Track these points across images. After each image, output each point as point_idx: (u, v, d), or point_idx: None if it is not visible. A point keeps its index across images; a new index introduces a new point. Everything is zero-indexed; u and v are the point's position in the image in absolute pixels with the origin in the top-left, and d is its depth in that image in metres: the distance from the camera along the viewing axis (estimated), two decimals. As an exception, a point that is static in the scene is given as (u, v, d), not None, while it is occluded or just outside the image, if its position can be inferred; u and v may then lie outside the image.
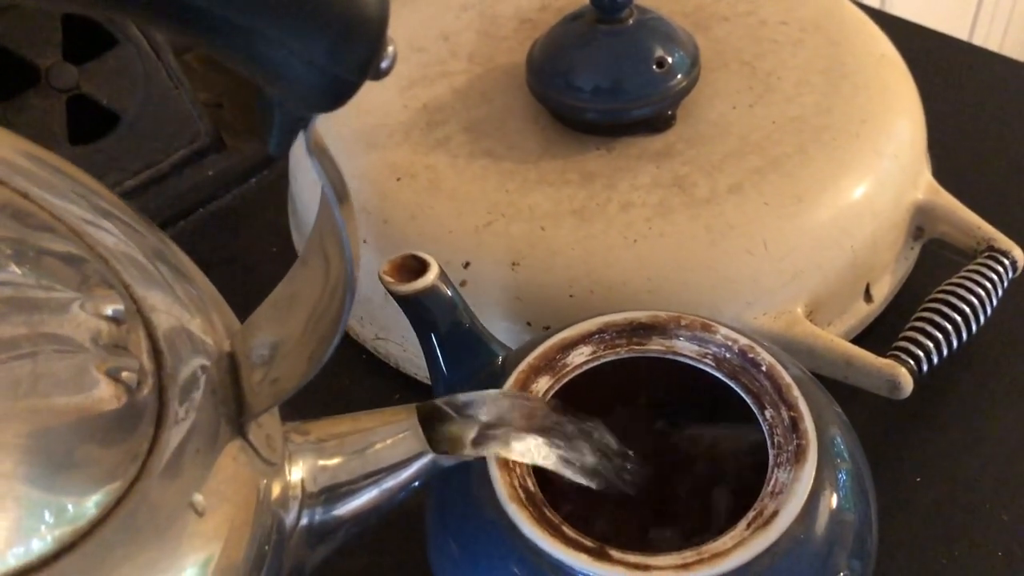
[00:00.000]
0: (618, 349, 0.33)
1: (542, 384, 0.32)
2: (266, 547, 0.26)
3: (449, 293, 0.36)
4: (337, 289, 0.26)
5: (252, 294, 0.56)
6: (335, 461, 0.29)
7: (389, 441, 0.29)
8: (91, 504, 0.22)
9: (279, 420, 0.29)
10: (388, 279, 0.35)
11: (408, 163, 0.47)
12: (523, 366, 0.33)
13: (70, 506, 0.21)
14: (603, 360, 0.33)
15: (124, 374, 0.24)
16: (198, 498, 0.24)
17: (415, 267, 0.36)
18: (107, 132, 0.56)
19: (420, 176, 0.46)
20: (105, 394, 0.23)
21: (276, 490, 0.27)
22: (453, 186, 0.45)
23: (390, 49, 0.22)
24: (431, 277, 0.35)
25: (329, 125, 0.51)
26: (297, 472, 0.28)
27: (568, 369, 0.33)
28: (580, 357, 0.33)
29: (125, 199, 0.58)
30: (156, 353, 0.25)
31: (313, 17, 0.20)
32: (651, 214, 0.42)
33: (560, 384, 0.32)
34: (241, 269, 0.55)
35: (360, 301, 0.47)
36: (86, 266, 0.25)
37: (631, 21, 0.46)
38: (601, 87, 0.46)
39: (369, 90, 0.54)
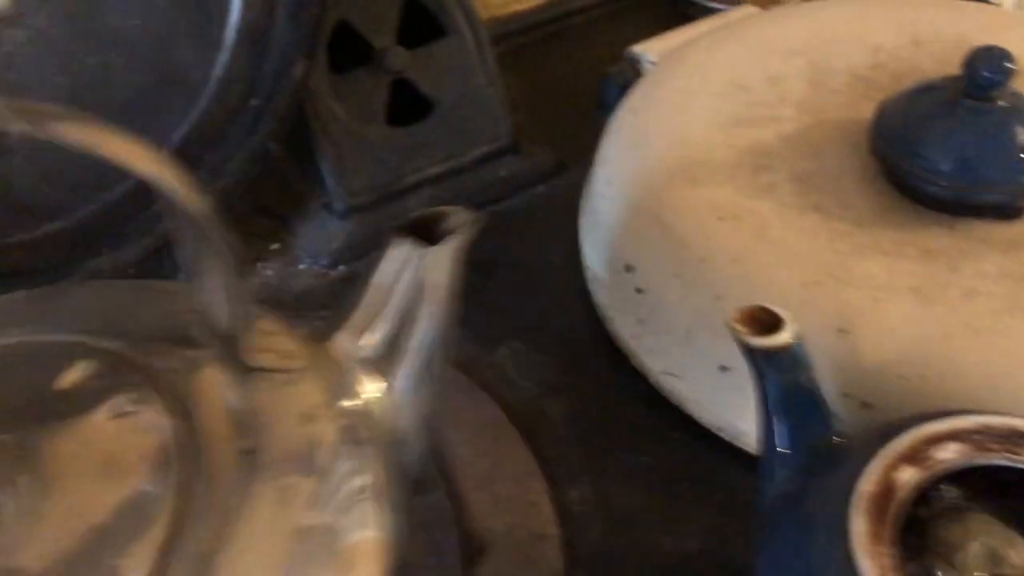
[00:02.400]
0: (990, 454, 0.31)
1: (907, 475, 0.31)
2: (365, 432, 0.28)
3: (800, 353, 0.35)
4: None
5: (532, 300, 0.57)
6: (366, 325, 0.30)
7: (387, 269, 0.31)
8: None
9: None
10: (740, 328, 0.35)
11: (732, 204, 0.46)
12: (888, 453, 0.31)
13: None
14: (974, 463, 0.31)
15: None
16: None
17: (764, 320, 0.35)
18: (421, 118, 0.58)
19: (744, 220, 0.45)
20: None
21: (340, 390, 0.29)
22: (779, 236, 0.44)
23: None
24: (787, 336, 0.34)
25: (649, 152, 0.51)
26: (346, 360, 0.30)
27: (935, 464, 0.31)
28: (948, 454, 0.31)
29: (423, 185, 0.60)
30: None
31: None
32: (999, 307, 0.40)
33: (928, 480, 0.31)
34: (524, 273, 0.56)
35: (658, 333, 0.47)
36: None
37: (1001, 102, 0.43)
38: (954, 164, 0.43)
39: (692, 124, 0.53)
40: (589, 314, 0.52)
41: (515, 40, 0.72)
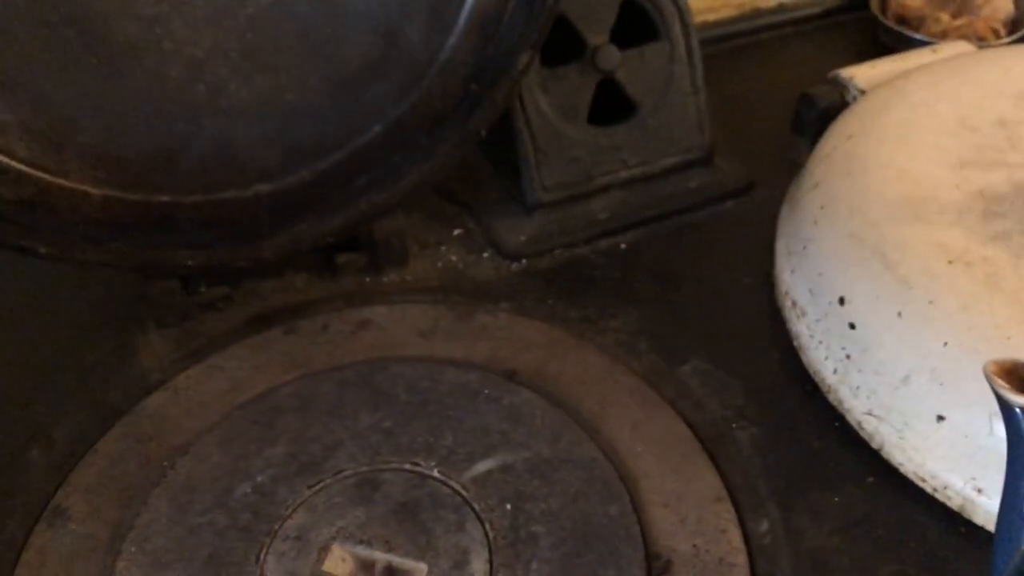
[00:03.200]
0: None
1: None
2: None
3: (1063, 419, 0.33)
4: None
5: (718, 318, 0.55)
6: None
7: None
8: None
9: None
10: (1001, 383, 0.33)
11: (962, 248, 0.44)
12: None
13: None
14: None
15: None
16: None
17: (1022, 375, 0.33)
18: (617, 120, 0.57)
19: (975, 267, 0.43)
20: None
21: None
22: (1015, 288, 0.42)
23: None
24: (1055, 398, 0.32)
25: (869, 182, 0.49)
26: None
27: None
28: None
29: (612, 188, 0.59)
30: None
31: None
32: None
33: None
34: (711, 290, 0.55)
35: (867, 371, 0.45)
36: None
37: None
38: None
39: (916, 159, 0.51)
40: (780, 340, 0.51)
41: (704, 51, 0.71)
